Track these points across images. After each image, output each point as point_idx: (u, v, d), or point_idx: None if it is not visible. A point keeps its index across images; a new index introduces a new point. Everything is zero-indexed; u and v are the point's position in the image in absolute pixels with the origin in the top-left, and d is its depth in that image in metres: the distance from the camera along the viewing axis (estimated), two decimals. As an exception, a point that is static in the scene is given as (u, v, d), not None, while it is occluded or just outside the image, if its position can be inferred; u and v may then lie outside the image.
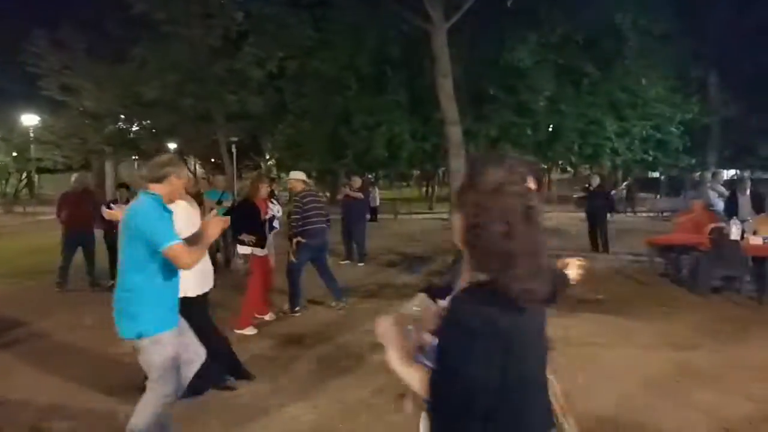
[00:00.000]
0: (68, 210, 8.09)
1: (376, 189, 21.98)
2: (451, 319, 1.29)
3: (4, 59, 23.61)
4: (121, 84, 20.57)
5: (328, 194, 34.73)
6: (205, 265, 3.95)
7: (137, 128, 26.83)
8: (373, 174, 28.54)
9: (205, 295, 4.13)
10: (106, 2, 17.41)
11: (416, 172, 37.28)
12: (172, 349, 3.00)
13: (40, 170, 30.42)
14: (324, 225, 6.57)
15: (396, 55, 17.61)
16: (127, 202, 9.10)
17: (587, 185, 12.20)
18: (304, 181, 6.71)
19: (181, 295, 3.62)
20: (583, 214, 12.64)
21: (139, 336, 2.90)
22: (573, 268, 1.98)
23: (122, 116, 25.56)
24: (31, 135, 25.39)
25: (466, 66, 15.79)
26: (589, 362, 4.68)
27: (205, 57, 18.20)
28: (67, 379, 4.59)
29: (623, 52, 17.23)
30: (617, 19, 15.98)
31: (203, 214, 4.10)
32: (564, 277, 1.91)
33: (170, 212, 3.06)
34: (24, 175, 32.66)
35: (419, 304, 1.56)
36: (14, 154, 28.85)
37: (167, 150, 32.40)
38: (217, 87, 18.96)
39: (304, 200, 6.42)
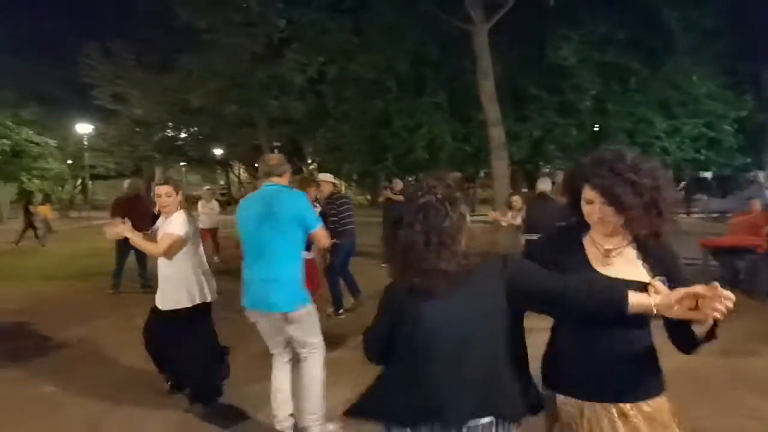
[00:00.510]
0: (121, 215, 8.38)
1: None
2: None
3: (61, 71, 24.76)
4: (168, 92, 21.27)
5: (369, 197, 34.95)
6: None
7: (184, 135, 27.65)
8: (414, 176, 28.53)
9: None
10: (153, 14, 18.02)
11: (457, 174, 36.94)
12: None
13: (94, 176, 31.67)
14: (354, 226, 6.72)
15: (435, 57, 17.56)
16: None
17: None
18: (333, 184, 6.83)
19: (207, 299, 3.91)
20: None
21: (299, 306, 3.32)
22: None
23: (170, 124, 26.40)
24: (85, 143, 26.48)
25: (508, 66, 15.63)
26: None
27: (247, 64, 18.60)
28: (122, 377, 4.76)
29: (671, 48, 16.69)
30: (664, 14, 15.49)
31: None
32: None
33: None
34: (79, 181, 34.08)
35: None
36: (69, 161, 30.13)
37: (214, 156, 33.30)
38: (260, 93, 19.35)
39: (338, 202, 6.57)
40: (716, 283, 1.46)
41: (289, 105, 20.11)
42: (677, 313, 1.53)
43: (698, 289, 1.48)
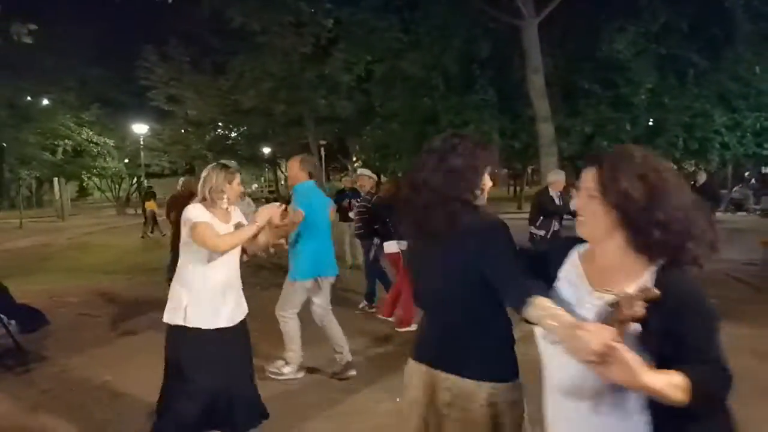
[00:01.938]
0: (176, 211, 8.69)
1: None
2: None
3: (120, 74, 25.80)
4: (221, 93, 21.86)
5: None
6: None
7: (235, 134, 28.34)
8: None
9: None
10: (209, 18, 18.51)
11: (504, 171, 36.55)
12: None
13: (149, 175, 32.86)
14: None
15: (483, 53, 17.35)
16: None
17: (693, 182, 11.42)
18: (373, 179, 6.92)
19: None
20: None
21: None
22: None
23: (221, 123, 27.11)
24: (141, 142, 27.51)
25: (558, 60, 15.28)
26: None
27: (296, 64, 18.88)
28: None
29: (733, 38, 15.92)
30: (727, 2, 14.79)
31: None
32: None
33: None
34: (135, 179, 35.45)
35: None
36: (126, 160, 31.36)
37: (263, 154, 34.00)
38: (308, 92, 19.60)
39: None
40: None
41: (336, 104, 20.30)
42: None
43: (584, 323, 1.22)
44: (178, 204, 8.74)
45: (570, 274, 1.45)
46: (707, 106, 16.37)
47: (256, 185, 52.09)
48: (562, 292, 1.44)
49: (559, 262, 1.50)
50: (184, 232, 3.32)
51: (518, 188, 32.61)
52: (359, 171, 7.05)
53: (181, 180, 9.52)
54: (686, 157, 19.39)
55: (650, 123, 17.50)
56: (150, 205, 17.97)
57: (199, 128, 26.12)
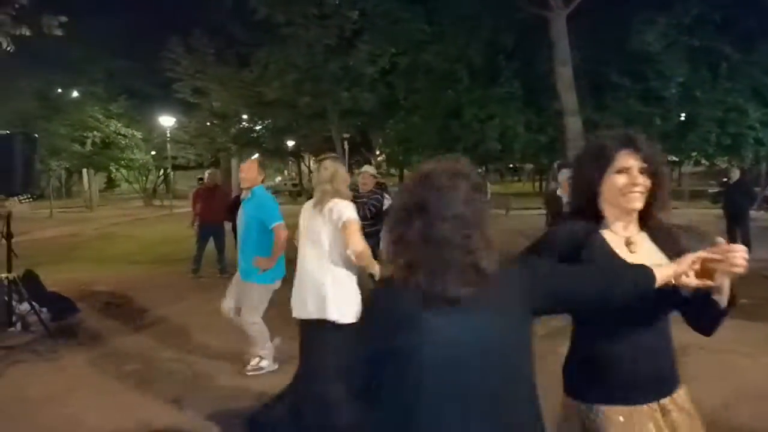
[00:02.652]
0: (201, 203, 8.77)
1: (488, 183, 21.56)
2: None
3: (147, 66, 26.13)
4: (245, 85, 21.96)
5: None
6: None
7: (259, 127, 28.50)
8: (484, 168, 28.08)
9: None
10: (234, 10, 18.61)
11: (530, 166, 36.15)
12: None
13: (175, 167, 33.27)
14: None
15: (510, 45, 17.12)
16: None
17: (725, 179, 11.15)
18: (376, 178, 6.61)
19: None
20: (719, 211, 11.54)
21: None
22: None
23: (245, 116, 27.28)
24: (168, 135, 27.86)
25: (587, 52, 14.99)
26: (729, 372, 4.25)
27: (320, 56, 18.87)
28: (204, 355, 4.97)
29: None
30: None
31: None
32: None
33: None
34: (161, 171, 35.90)
35: None
36: (153, 152, 31.79)
37: (287, 147, 34.18)
38: (332, 85, 19.59)
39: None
40: (721, 239, 1.45)
41: (359, 96, 20.25)
42: (693, 281, 1.47)
43: (707, 252, 1.45)
44: (203, 196, 8.89)
45: (605, 249, 1.65)
46: (741, 100, 15.97)
47: (279, 178, 52.37)
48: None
49: (576, 243, 1.65)
50: (332, 229, 3.22)
51: (544, 184, 32.23)
52: (363, 168, 6.64)
53: (207, 172, 9.75)
54: (719, 153, 18.93)
55: (681, 118, 17.10)
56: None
57: (224, 121, 26.33)
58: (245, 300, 4.35)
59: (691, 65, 15.76)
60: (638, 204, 1.63)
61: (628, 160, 1.62)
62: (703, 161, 25.08)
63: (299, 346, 3.43)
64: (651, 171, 1.62)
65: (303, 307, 3.30)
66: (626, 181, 1.62)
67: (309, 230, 3.36)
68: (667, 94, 15.99)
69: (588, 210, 1.71)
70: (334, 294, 3.17)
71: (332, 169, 3.32)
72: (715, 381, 3.99)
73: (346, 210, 3.19)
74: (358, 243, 3.10)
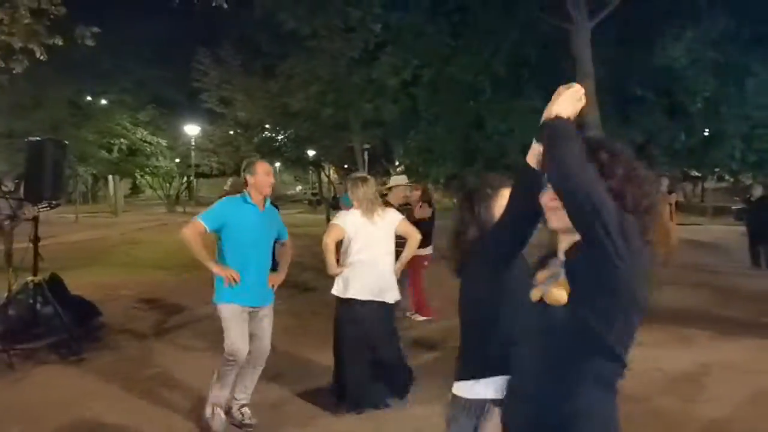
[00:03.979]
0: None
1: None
2: None
3: (175, 76, 26.64)
4: (270, 96, 22.23)
5: (455, 201, 34.61)
6: None
7: (282, 137, 28.80)
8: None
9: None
10: (260, 21, 18.87)
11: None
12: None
13: (198, 175, 33.74)
14: None
15: (533, 59, 17.07)
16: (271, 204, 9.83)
17: (748, 195, 10.96)
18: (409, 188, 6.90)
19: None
20: (743, 228, 11.36)
21: None
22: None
23: (268, 126, 27.58)
24: (193, 143, 28.29)
25: (610, 66, 14.87)
26: (756, 393, 4.15)
27: (344, 68, 19.03)
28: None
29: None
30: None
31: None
32: None
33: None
34: (185, 179, 36.43)
35: None
36: (177, 160, 32.30)
37: (308, 157, 34.49)
38: (355, 96, 19.73)
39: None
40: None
41: (382, 107, 20.34)
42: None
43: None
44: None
45: None
46: (767, 116, 15.67)
47: (300, 187, 52.72)
48: None
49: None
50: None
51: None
52: (394, 179, 6.54)
53: (230, 180, 9.82)
54: (744, 169, 18.59)
55: (706, 133, 16.86)
56: None
57: (248, 130, 26.68)
58: (268, 328, 3.93)
59: (717, 80, 15.54)
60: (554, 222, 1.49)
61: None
62: (727, 177, 24.62)
63: (364, 327, 4.03)
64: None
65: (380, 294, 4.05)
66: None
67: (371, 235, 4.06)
68: (693, 108, 15.78)
69: None
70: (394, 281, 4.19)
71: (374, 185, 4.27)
72: (740, 402, 3.91)
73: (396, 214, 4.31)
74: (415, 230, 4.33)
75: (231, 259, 3.74)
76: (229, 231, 3.74)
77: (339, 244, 4.17)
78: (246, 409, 3.83)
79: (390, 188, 6.26)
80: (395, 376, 4.17)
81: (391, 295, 4.12)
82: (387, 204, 4.83)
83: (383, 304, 4.06)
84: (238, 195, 3.83)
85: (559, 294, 1.36)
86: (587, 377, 1.34)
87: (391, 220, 4.15)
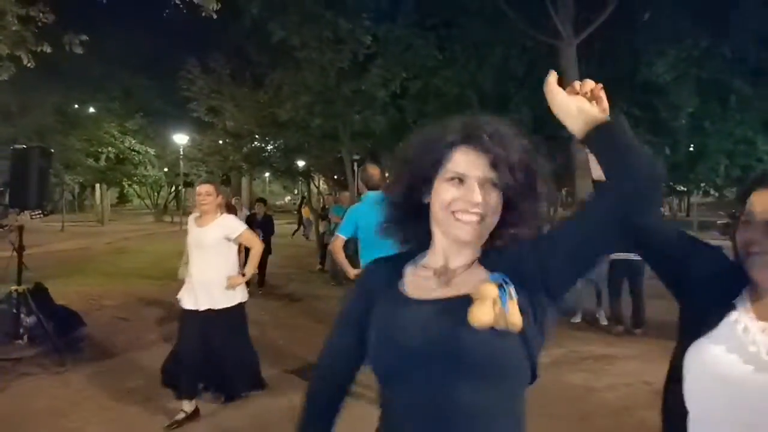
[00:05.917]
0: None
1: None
2: None
3: (163, 84, 26.59)
4: (259, 106, 22.25)
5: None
6: None
7: (271, 147, 28.78)
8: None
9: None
10: (250, 32, 18.92)
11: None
12: None
13: (186, 184, 33.58)
14: None
15: (520, 73, 17.31)
16: (265, 215, 9.89)
17: (734, 210, 11.12)
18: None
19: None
20: (729, 242, 11.51)
21: None
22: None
23: (258, 136, 27.57)
24: (181, 152, 28.20)
25: (596, 82, 15.11)
26: None
27: (333, 79, 19.13)
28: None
29: (779, 64, 15.55)
30: (772, 29, 14.48)
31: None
32: None
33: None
34: (173, 188, 36.23)
35: None
36: (165, 169, 32.14)
37: (297, 167, 34.52)
38: (344, 107, 19.83)
39: None
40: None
41: (371, 119, 20.46)
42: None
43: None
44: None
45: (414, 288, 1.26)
46: (750, 132, 16.00)
47: (289, 197, 52.58)
48: None
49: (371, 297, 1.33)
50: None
51: (552, 210, 32.17)
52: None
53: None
54: (728, 184, 18.91)
55: (690, 149, 17.14)
56: (305, 212, 20.41)
57: (237, 140, 26.65)
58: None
59: (700, 97, 15.83)
60: (467, 234, 1.14)
61: (466, 164, 1.15)
62: (712, 192, 25.01)
63: None
64: (505, 181, 1.14)
65: None
66: (457, 195, 1.15)
67: None
68: (677, 124, 16.04)
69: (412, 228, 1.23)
70: None
71: None
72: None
73: None
74: None
75: None
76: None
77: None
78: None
79: None
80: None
81: None
82: None
83: None
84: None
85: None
86: None
87: None
